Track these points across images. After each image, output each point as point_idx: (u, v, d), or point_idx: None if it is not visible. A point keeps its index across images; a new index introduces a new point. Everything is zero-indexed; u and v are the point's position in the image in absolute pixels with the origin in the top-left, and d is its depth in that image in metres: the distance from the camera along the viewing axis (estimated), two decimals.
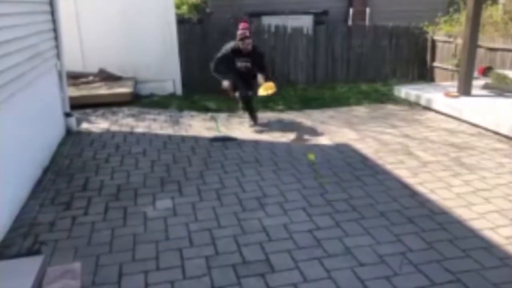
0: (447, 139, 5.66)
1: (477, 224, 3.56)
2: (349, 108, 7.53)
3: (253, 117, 6.59)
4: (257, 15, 11.65)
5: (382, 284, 2.88)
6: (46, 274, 2.78)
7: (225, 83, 6.63)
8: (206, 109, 7.47)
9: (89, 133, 6.16)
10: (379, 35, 10.02)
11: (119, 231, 3.58)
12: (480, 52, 8.06)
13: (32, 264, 2.51)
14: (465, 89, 7.06)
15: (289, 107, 7.58)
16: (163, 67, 8.49)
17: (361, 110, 7.33)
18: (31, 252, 3.23)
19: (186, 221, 3.71)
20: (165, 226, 3.65)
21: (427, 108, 7.15)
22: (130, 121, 6.73)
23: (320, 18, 11.88)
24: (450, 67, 9.24)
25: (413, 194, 4.14)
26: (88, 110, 7.12)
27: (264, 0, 12.04)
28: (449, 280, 2.90)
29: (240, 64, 6.52)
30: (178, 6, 9.95)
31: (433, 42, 9.90)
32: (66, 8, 7.39)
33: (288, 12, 11.56)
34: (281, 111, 7.38)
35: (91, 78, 8.09)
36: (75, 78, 7.85)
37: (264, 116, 7.01)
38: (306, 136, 5.94)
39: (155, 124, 6.60)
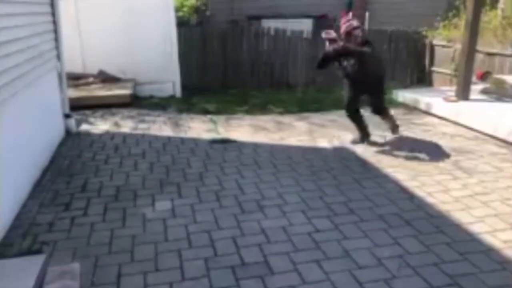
0: (445, 143, 5.68)
1: (475, 228, 3.57)
2: None
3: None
4: (257, 18, 11.67)
5: (381, 286, 2.89)
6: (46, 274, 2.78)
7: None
8: (205, 111, 7.48)
9: (88, 134, 6.16)
10: (378, 39, 10.02)
11: (118, 232, 3.58)
12: (479, 57, 8.09)
13: (34, 263, 2.52)
14: (463, 94, 7.08)
15: (288, 110, 7.59)
16: (162, 69, 8.51)
17: None
18: (33, 251, 3.24)
19: (185, 223, 3.72)
20: (164, 227, 3.65)
21: (426, 112, 7.17)
22: (129, 122, 6.74)
23: (319, 21, 11.90)
24: (448, 71, 9.26)
25: (411, 197, 4.16)
26: (88, 111, 7.13)
27: (264, 4, 12.07)
28: (447, 283, 2.91)
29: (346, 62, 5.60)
30: (178, 9, 9.96)
31: (432, 46, 9.93)
32: (67, 9, 7.41)
33: (288, 16, 11.58)
34: (280, 114, 7.39)
35: (90, 79, 8.11)
36: (75, 79, 7.87)
37: (262, 118, 7.02)
38: (305, 139, 5.94)
39: (154, 125, 6.62)
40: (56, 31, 5.97)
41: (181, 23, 9.51)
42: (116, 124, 6.66)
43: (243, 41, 9.68)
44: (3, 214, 3.57)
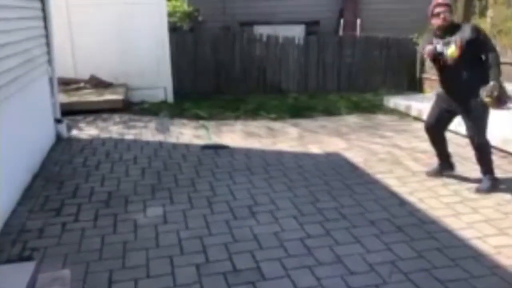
0: None
1: (465, 234, 3.59)
2: (339, 117, 7.59)
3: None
4: (249, 24, 11.72)
5: None
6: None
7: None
8: (197, 117, 7.48)
9: (79, 140, 6.13)
10: (370, 45, 10.12)
11: (109, 238, 3.56)
12: None
13: (25, 270, 2.50)
14: None
15: (280, 116, 7.61)
16: (154, 74, 8.50)
17: (351, 120, 7.39)
18: (23, 258, 3.21)
19: (176, 229, 3.71)
20: (155, 233, 3.64)
21: (417, 119, 7.22)
22: (121, 128, 6.71)
23: (311, 28, 11.98)
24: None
25: (402, 203, 4.18)
26: (79, 117, 7.09)
27: (256, 10, 12.12)
28: None
29: (440, 47, 4.27)
30: (170, 14, 9.97)
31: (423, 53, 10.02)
32: (59, 14, 7.38)
33: (280, 22, 11.64)
34: (272, 119, 7.41)
35: (82, 84, 8.07)
36: (66, 84, 7.82)
37: (254, 124, 7.04)
38: (297, 145, 5.96)
39: (146, 131, 6.60)
40: (47, 35, 5.95)
41: (174, 29, 9.52)
42: (108, 129, 6.63)
43: (235, 47, 9.70)
44: None
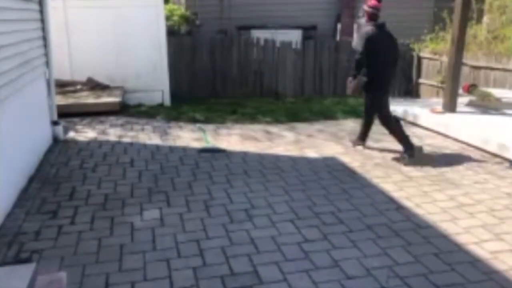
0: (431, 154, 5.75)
1: (462, 239, 3.61)
2: (336, 122, 7.61)
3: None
4: (247, 28, 11.76)
5: None
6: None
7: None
8: (194, 120, 7.47)
9: (76, 142, 6.12)
10: None
11: (106, 241, 3.55)
12: (464, 70, 8.24)
13: (25, 272, 2.49)
14: (450, 106, 7.19)
15: (277, 120, 7.62)
16: (152, 77, 8.50)
17: (348, 124, 7.41)
18: (22, 260, 3.19)
19: (173, 232, 3.70)
20: (152, 236, 3.63)
21: (413, 124, 7.25)
22: (117, 130, 6.70)
23: (308, 32, 12.03)
24: (435, 83, 9.41)
25: (399, 207, 4.19)
26: (76, 119, 7.08)
27: (253, 14, 12.16)
28: None
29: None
30: (168, 18, 9.99)
31: (419, 59, 10.08)
32: (56, 16, 7.39)
33: (278, 26, 11.68)
34: (269, 123, 7.42)
35: (79, 86, 8.06)
36: (62, 86, 7.81)
37: (251, 128, 7.05)
38: (293, 149, 5.97)
39: (143, 134, 6.59)
40: (45, 37, 5.94)
41: (171, 32, 9.54)
42: (104, 132, 6.61)
43: (232, 51, 9.73)
44: None
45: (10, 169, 4.19)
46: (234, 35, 10.70)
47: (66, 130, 6.44)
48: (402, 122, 6.24)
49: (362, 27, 5.38)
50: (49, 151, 5.70)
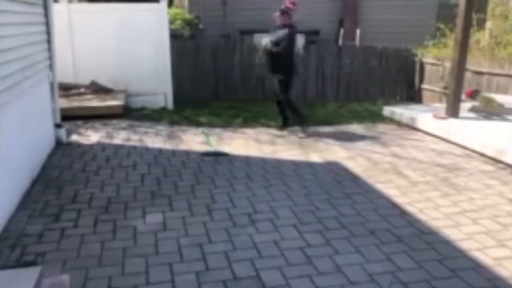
0: (435, 160, 5.74)
1: (465, 245, 3.60)
2: (339, 126, 7.60)
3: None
4: (249, 32, 11.76)
5: None
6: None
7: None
8: (197, 124, 7.48)
9: (79, 145, 6.13)
10: (369, 55, 10.19)
11: (109, 244, 3.55)
12: (467, 75, 8.23)
13: (30, 275, 2.50)
14: (453, 111, 7.18)
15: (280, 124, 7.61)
16: (155, 81, 8.53)
17: (350, 129, 7.41)
18: (28, 263, 3.20)
19: (176, 236, 3.70)
20: (155, 240, 3.63)
21: (416, 129, 7.25)
22: (120, 134, 6.71)
23: (311, 37, 12.04)
24: (438, 89, 9.41)
25: (402, 213, 4.18)
26: (79, 122, 7.09)
27: (256, 18, 12.15)
28: None
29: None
30: (171, 21, 10.02)
31: (422, 64, 10.09)
32: (60, 19, 7.42)
33: None
34: (272, 127, 7.40)
35: (82, 90, 8.08)
36: (66, 89, 7.83)
37: (254, 132, 7.05)
38: (297, 153, 5.97)
39: (146, 137, 6.60)
40: (49, 41, 5.96)
41: (174, 36, 9.56)
42: (107, 135, 6.63)
43: (235, 55, 9.74)
44: None
45: (13, 171, 4.20)
46: (237, 39, 10.72)
47: (69, 133, 6.46)
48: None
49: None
50: (52, 154, 5.71)
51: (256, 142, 6.48)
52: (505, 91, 8.11)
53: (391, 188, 4.76)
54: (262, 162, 5.57)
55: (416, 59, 10.18)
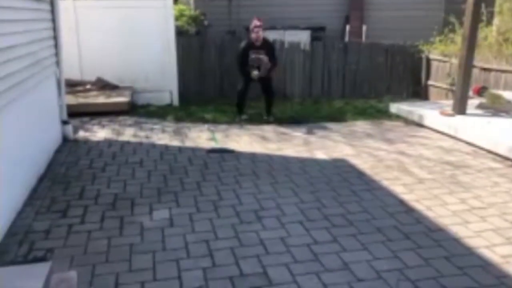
0: (442, 157, 5.71)
1: (473, 242, 3.58)
2: (345, 123, 7.58)
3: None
4: None
5: None
6: None
7: (255, 73, 7.40)
8: (203, 121, 7.48)
9: (85, 142, 6.14)
10: (375, 52, 10.13)
11: (116, 241, 3.56)
12: (474, 72, 8.17)
13: (40, 271, 2.51)
14: (460, 108, 7.14)
15: (286, 121, 7.59)
16: (160, 77, 8.53)
17: (357, 126, 7.38)
18: (37, 259, 3.21)
19: (183, 232, 3.70)
20: (162, 236, 3.63)
21: (422, 126, 7.21)
22: (127, 130, 6.72)
23: (317, 34, 12.01)
24: (444, 85, 9.34)
25: (409, 210, 4.17)
26: (85, 119, 7.12)
27: (262, 15, 12.08)
28: None
29: (255, 56, 7.30)
30: (176, 18, 10.00)
31: (428, 60, 10.02)
32: (66, 16, 7.44)
33: (286, 27, 11.67)
34: (278, 124, 7.40)
35: (88, 86, 8.10)
36: (72, 86, 7.85)
37: (260, 128, 7.04)
38: (303, 150, 5.95)
39: (152, 134, 6.60)
40: (55, 37, 5.97)
41: (180, 32, 9.54)
42: (114, 131, 6.64)
43: None
44: None
45: (20, 168, 4.22)
46: (242, 36, 10.69)
47: (75, 130, 6.48)
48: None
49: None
50: (59, 151, 5.73)
51: (262, 139, 6.47)
52: None
53: (398, 185, 4.74)
54: (268, 159, 5.56)
55: (423, 55, 10.11)
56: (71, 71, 7.68)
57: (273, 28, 11.62)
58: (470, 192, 4.58)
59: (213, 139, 6.36)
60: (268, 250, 3.44)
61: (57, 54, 6.02)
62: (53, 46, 5.91)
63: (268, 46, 7.52)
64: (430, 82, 9.97)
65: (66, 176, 4.90)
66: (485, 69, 8.45)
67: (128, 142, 6.15)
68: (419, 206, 4.24)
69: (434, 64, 9.87)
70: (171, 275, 3.11)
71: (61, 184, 4.66)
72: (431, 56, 9.94)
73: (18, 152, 4.18)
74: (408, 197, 4.45)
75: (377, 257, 3.35)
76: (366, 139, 6.52)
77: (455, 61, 8.61)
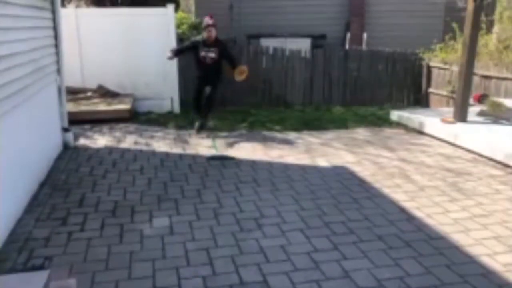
0: (443, 164, 5.70)
1: (474, 250, 3.56)
2: (346, 130, 7.58)
3: (202, 119, 7.19)
4: (256, 37, 11.80)
5: None
6: None
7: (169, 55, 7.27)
8: (204, 128, 7.46)
9: (86, 149, 6.15)
10: (376, 59, 10.16)
11: (116, 248, 3.55)
12: (475, 79, 8.18)
13: (38, 279, 2.50)
14: (461, 115, 7.14)
15: (286, 129, 7.61)
16: (161, 85, 8.55)
17: (358, 133, 7.38)
18: (36, 267, 3.20)
19: (183, 240, 3.69)
20: (162, 244, 3.62)
21: (423, 133, 7.21)
22: (127, 138, 6.73)
23: (318, 41, 12.05)
24: (445, 93, 9.36)
25: (410, 218, 4.15)
26: (86, 126, 7.12)
27: (263, 23, 12.21)
28: None
29: (204, 53, 7.10)
30: (177, 26, 10.04)
31: (429, 68, 10.04)
32: (68, 24, 7.47)
33: (287, 35, 11.71)
34: (279, 131, 7.40)
35: (89, 94, 8.12)
36: (73, 93, 7.87)
37: (260, 136, 7.04)
38: (303, 158, 5.95)
39: (152, 141, 6.61)
40: (57, 45, 6.00)
41: (181, 40, 9.56)
42: (115, 139, 6.64)
43: (241, 59, 9.73)
44: None
45: (20, 175, 4.22)
46: (243, 44, 10.73)
47: (76, 137, 6.49)
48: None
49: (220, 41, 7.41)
50: (60, 158, 5.73)
51: (263, 146, 6.47)
52: (510, 95, 8.05)
53: (398, 193, 4.73)
54: (269, 166, 5.55)
55: (423, 63, 10.14)
56: (72, 79, 7.71)
57: (274, 36, 11.68)
58: (471, 200, 4.57)
59: (213, 146, 6.36)
60: (268, 258, 3.42)
61: (58, 61, 6.04)
62: (54, 54, 5.93)
63: (220, 46, 7.20)
64: (430, 90, 9.98)
65: (67, 183, 4.90)
66: (485, 77, 8.47)
67: (128, 150, 6.15)
68: (420, 214, 4.22)
69: (434, 72, 9.89)
70: (170, 283, 3.10)
71: (61, 191, 4.66)
72: (432, 63, 9.96)
73: (18, 159, 4.18)
74: (409, 204, 4.44)
75: (378, 265, 3.34)
76: (367, 146, 6.52)
77: (455, 68, 8.63)
